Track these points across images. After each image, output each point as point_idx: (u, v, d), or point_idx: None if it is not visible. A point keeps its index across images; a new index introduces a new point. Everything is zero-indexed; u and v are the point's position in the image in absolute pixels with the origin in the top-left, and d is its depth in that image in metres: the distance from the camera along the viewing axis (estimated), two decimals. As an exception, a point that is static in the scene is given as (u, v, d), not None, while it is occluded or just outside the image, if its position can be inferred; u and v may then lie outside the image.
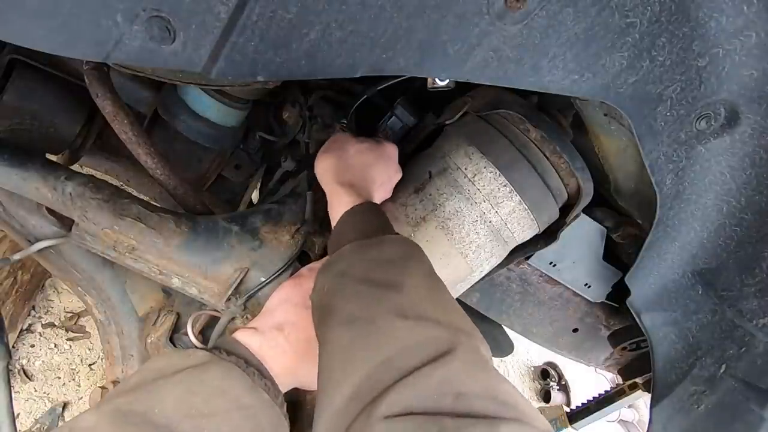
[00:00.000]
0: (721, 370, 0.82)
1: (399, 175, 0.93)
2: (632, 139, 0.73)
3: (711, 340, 0.84)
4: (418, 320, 0.57)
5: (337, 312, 0.62)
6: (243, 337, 0.70)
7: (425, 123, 1.01)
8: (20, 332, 1.75)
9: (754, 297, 0.77)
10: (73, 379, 1.79)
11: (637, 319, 0.93)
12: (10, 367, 0.96)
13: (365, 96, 1.05)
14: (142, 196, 0.91)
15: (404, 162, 1.01)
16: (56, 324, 1.85)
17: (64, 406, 1.71)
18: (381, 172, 0.88)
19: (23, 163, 0.78)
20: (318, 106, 1.11)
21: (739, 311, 0.79)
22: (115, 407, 0.55)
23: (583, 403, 1.91)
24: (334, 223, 0.79)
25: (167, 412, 0.55)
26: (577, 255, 1.16)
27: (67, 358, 1.82)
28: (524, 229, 0.95)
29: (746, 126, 0.68)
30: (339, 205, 0.79)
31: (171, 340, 0.97)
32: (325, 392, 0.56)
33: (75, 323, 1.89)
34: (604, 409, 1.78)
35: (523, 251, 1.04)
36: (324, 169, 0.87)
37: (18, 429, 0.84)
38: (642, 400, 2.47)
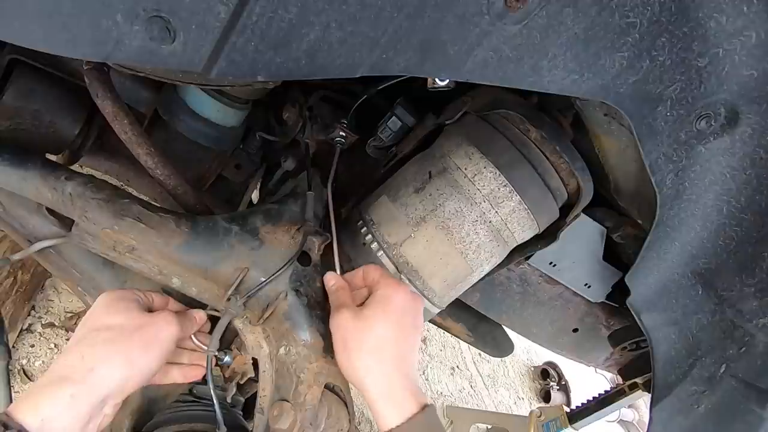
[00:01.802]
0: (721, 370, 0.82)
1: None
2: (632, 139, 0.73)
3: (711, 340, 0.84)
4: None
5: None
6: (20, 409, 0.61)
7: (425, 123, 1.01)
8: (20, 332, 1.75)
9: (754, 297, 0.77)
10: (73, 379, 1.78)
11: (637, 319, 0.93)
12: (10, 367, 0.96)
13: (365, 96, 1.05)
14: (142, 196, 0.91)
15: (404, 162, 1.02)
16: (56, 324, 1.85)
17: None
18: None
19: (23, 163, 0.78)
20: (318, 106, 1.11)
21: (739, 311, 0.79)
22: None
23: (583, 403, 1.91)
24: (384, 428, 0.70)
25: None
26: (577, 255, 1.16)
27: (67, 358, 1.81)
28: (524, 229, 0.95)
29: (746, 126, 0.68)
30: (395, 411, 0.70)
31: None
32: None
33: (75, 323, 1.88)
34: (604, 409, 1.78)
35: (523, 251, 1.04)
36: (382, 346, 0.74)
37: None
38: (642, 400, 2.47)
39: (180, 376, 0.82)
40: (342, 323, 0.77)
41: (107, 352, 0.67)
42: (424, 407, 0.72)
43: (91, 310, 0.74)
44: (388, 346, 0.75)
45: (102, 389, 0.65)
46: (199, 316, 0.83)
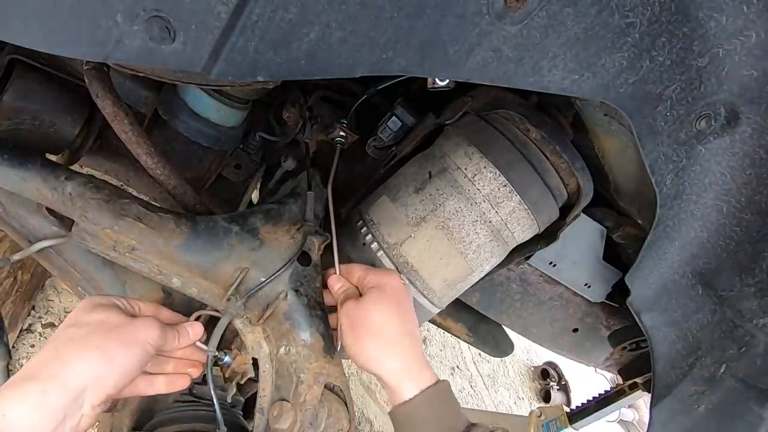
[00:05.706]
0: (721, 370, 0.82)
1: None
2: (632, 139, 0.73)
3: (711, 340, 0.84)
4: None
5: None
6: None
7: (425, 123, 1.01)
8: (20, 332, 1.75)
9: (754, 297, 0.77)
10: (73, 379, 1.78)
11: (637, 319, 0.93)
12: (10, 367, 0.96)
13: (365, 96, 1.05)
14: (142, 196, 0.91)
15: (404, 162, 1.02)
16: (56, 324, 1.85)
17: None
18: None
19: (23, 163, 0.78)
20: (318, 106, 1.11)
21: (739, 311, 0.79)
22: None
23: (583, 403, 1.91)
24: (400, 401, 0.76)
25: None
26: (577, 255, 1.16)
27: (67, 358, 1.81)
28: (524, 229, 0.95)
29: (746, 126, 0.68)
30: (411, 383, 0.75)
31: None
32: None
33: (75, 323, 1.88)
34: (604, 409, 1.78)
35: (523, 251, 1.04)
36: (386, 324, 0.79)
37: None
38: (642, 400, 2.47)
39: (164, 386, 0.78)
40: (347, 312, 0.81)
41: (83, 347, 0.64)
42: (438, 382, 0.76)
43: (71, 313, 0.72)
44: (394, 325, 0.79)
45: (76, 384, 0.61)
46: (195, 330, 0.79)
